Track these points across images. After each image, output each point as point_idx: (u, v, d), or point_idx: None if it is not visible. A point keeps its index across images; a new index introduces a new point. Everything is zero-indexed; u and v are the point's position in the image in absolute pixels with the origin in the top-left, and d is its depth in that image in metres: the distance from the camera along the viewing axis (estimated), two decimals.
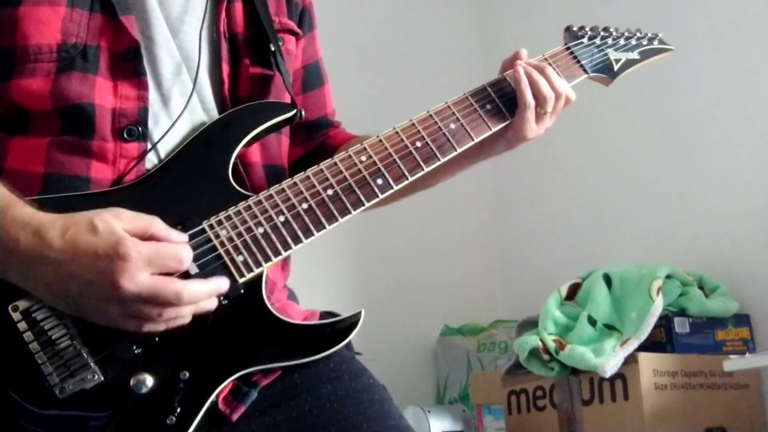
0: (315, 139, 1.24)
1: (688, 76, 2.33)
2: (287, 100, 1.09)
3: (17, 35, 0.95)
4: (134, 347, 0.88)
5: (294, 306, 1.12)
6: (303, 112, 1.08)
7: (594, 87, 1.27)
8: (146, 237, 0.85)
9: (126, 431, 0.88)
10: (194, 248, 0.92)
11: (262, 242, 0.95)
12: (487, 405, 2.36)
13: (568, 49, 1.22)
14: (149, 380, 0.88)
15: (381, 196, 1.02)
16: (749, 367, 1.88)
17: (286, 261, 1.12)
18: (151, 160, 0.98)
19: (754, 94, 2.18)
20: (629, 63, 1.27)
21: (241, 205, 0.96)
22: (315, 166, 1.01)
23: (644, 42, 1.30)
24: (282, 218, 0.97)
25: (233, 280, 0.93)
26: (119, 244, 0.82)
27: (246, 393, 0.98)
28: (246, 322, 0.94)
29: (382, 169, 1.03)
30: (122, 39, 0.99)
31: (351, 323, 1.00)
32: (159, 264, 0.84)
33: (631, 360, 1.83)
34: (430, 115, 1.09)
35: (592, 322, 1.95)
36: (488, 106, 1.12)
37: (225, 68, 1.06)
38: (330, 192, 1.00)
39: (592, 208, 2.65)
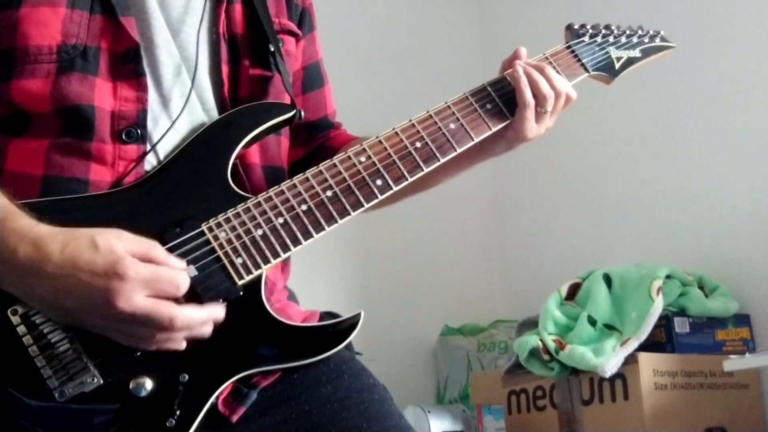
0: (315, 140, 1.24)
1: (688, 75, 2.33)
2: (287, 100, 1.09)
3: (17, 36, 0.95)
4: (133, 350, 0.88)
5: (294, 307, 1.12)
6: (303, 113, 1.08)
7: (594, 87, 1.27)
8: (146, 260, 0.85)
9: None
10: (194, 250, 0.92)
11: (261, 244, 0.95)
12: (487, 405, 2.36)
13: (569, 47, 1.22)
14: (148, 383, 0.88)
15: (380, 197, 1.02)
16: (749, 367, 1.88)
17: (285, 262, 1.12)
18: (150, 162, 0.98)
19: (754, 94, 2.18)
20: (631, 61, 1.26)
21: (240, 207, 0.96)
22: (314, 168, 1.01)
23: (646, 40, 1.30)
24: (281, 220, 0.97)
25: (232, 282, 0.92)
26: (119, 263, 0.82)
27: (246, 394, 0.98)
28: (245, 324, 0.94)
29: (382, 170, 1.03)
30: (122, 40, 0.99)
31: (351, 324, 1.00)
32: (156, 287, 0.84)
33: (631, 360, 1.83)
34: (430, 115, 1.09)
35: (592, 322, 1.95)
36: (488, 106, 1.12)
37: (225, 69, 1.06)
38: (329, 193, 1.00)
39: (592, 208, 2.65)
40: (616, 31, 1.27)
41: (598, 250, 2.56)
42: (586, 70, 1.21)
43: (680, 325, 1.95)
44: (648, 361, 1.84)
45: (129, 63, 0.98)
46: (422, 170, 1.05)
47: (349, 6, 2.82)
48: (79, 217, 0.89)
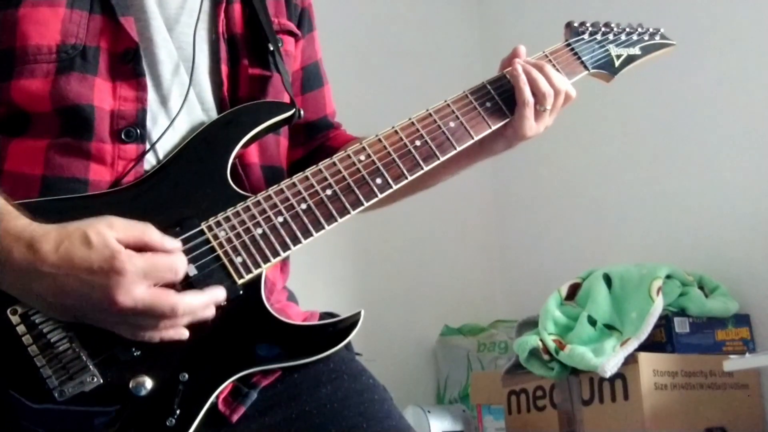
0: (315, 140, 1.24)
1: (688, 75, 2.33)
2: (286, 100, 1.09)
3: (17, 36, 0.95)
4: (133, 349, 0.88)
5: (293, 307, 1.12)
6: (302, 112, 1.08)
7: (594, 87, 1.27)
8: (140, 245, 0.85)
9: None
10: (193, 250, 0.92)
11: (261, 243, 0.95)
12: (487, 405, 2.36)
13: (568, 45, 1.22)
14: (148, 382, 0.88)
15: (380, 196, 1.02)
16: (749, 367, 1.88)
17: (285, 262, 1.12)
18: (149, 162, 0.98)
19: (754, 94, 2.18)
20: (630, 59, 1.26)
21: (239, 206, 0.96)
22: (313, 167, 1.01)
23: (646, 37, 1.29)
24: (281, 219, 0.96)
25: (232, 282, 0.92)
26: (114, 259, 0.82)
27: (246, 394, 0.98)
28: (245, 323, 0.94)
29: (381, 168, 1.03)
30: (121, 40, 0.99)
31: (350, 323, 1.00)
32: (155, 276, 0.84)
33: (631, 360, 1.83)
34: (430, 114, 1.09)
35: (592, 322, 1.95)
36: (488, 104, 1.12)
37: (224, 69, 1.06)
38: (329, 192, 0.99)
39: (592, 208, 2.65)
40: (615, 29, 1.27)
41: (598, 250, 2.56)
42: (585, 68, 1.21)
43: (680, 325, 1.95)
44: (648, 361, 1.84)
45: (128, 63, 0.98)
46: (422, 168, 1.05)
47: (349, 6, 2.82)
48: (78, 217, 0.88)
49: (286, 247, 0.96)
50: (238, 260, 0.93)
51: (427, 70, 2.98)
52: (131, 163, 0.96)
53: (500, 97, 1.12)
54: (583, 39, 1.23)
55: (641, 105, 2.49)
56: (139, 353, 0.88)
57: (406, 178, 1.04)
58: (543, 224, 2.84)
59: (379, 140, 1.05)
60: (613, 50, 1.24)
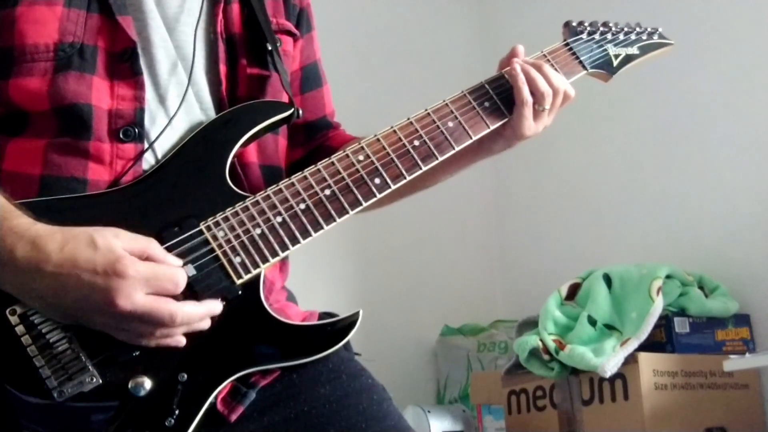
0: (315, 140, 1.24)
1: (688, 75, 2.33)
2: (285, 99, 1.09)
3: (15, 35, 0.95)
4: (132, 350, 0.88)
5: (293, 307, 1.11)
6: (301, 112, 1.08)
7: (594, 87, 1.27)
8: (144, 258, 0.86)
9: None
10: (192, 250, 0.92)
11: (260, 243, 0.95)
12: (487, 405, 2.36)
13: (566, 45, 1.22)
14: (147, 382, 0.88)
15: (379, 196, 1.02)
16: (749, 367, 1.88)
17: (284, 262, 1.12)
18: (148, 161, 0.98)
19: (754, 94, 2.18)
20: (629, 58, 1.26)
21: (238, 206, 0.96)
22: (312, 167, 1.01)
23: (644, 37, 1.29)
24: (279, 219, 0.96)
25: (231, 282, 0.92)
26: (118, 262, 0.82)
27: (245, 394, 0.98)
28: (244, 323, 0.94)
29: (380, 168, 1.03)
30: (119, 39, 0.99)
31: (349, 323, 1.00)
32: (156, 285, 0.85)
33: (631, 360, 1.83)
34: (428, 114, 1.09)
35: (592, 322, 1.95)
36: (486, 104, 1.12)
37: (222, 69, 1.06)
38: (327, 192, 0.99)
39: (592, 208, 2.65)
40: (614, 29, 1.27)
41: (598, 250, 2.56)
42: (584, 67, 1.21)
43: (680, 325, 1.95)
44: (648, 361, 1.84)
45: (126, 62, 0.98)
46: (420, 168, 1.05)
47: (349, 6, 2.82)
48: (77, 216, 0.89)
49: (284, 248, 0.96)
50: (237, 260, 0.93)
51: (426, 70, 2.98)
52: (130, 162, 0.96)
53: (499, 97, 1.12)
54: (581, 39, 1.23)
55: (641, 105, 2.49)
56: (138, 354, 0.88)
57: (405, 178, 1.04)
58: (543, 224, 2.84)
59: (378, 140, 1.05)
60: (612, 50, 1.24)
